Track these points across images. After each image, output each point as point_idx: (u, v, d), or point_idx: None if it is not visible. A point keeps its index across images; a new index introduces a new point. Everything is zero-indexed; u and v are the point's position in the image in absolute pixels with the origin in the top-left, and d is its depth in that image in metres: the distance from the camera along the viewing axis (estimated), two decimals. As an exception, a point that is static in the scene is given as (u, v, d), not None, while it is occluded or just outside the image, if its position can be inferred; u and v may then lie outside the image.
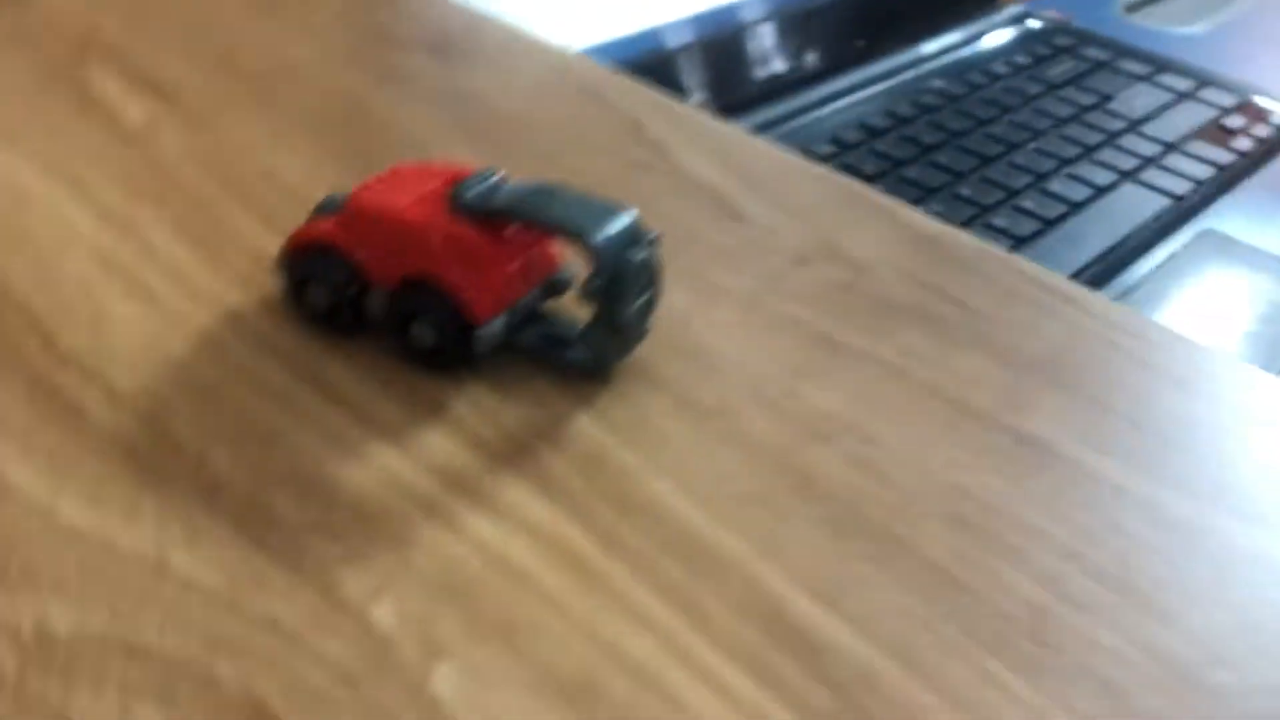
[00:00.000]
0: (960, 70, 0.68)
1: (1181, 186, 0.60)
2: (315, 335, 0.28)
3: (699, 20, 0.65)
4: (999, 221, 0.55)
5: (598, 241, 0.25)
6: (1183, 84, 0.68)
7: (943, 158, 0.60)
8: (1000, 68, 0.69)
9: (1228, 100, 0.67)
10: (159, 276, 0.30)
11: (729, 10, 0.66)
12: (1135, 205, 0.59)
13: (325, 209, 0.29)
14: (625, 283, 0.26)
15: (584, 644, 0.22)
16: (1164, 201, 0.59)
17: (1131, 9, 0.79)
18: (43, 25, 0.41)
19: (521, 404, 0.27)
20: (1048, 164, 0.60)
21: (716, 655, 0.22)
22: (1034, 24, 0.73)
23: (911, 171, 0.59)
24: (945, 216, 0.45)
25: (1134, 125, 0.65)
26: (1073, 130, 0.64)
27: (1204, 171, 0.61)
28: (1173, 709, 0.21)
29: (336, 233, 0.27)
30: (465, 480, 0.25)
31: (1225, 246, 0.57)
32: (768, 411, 0.27)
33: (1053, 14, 0.75)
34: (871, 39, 0.70)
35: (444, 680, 0.21)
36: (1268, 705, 0.22)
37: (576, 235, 0.25)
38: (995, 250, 0.33)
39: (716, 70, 0.65)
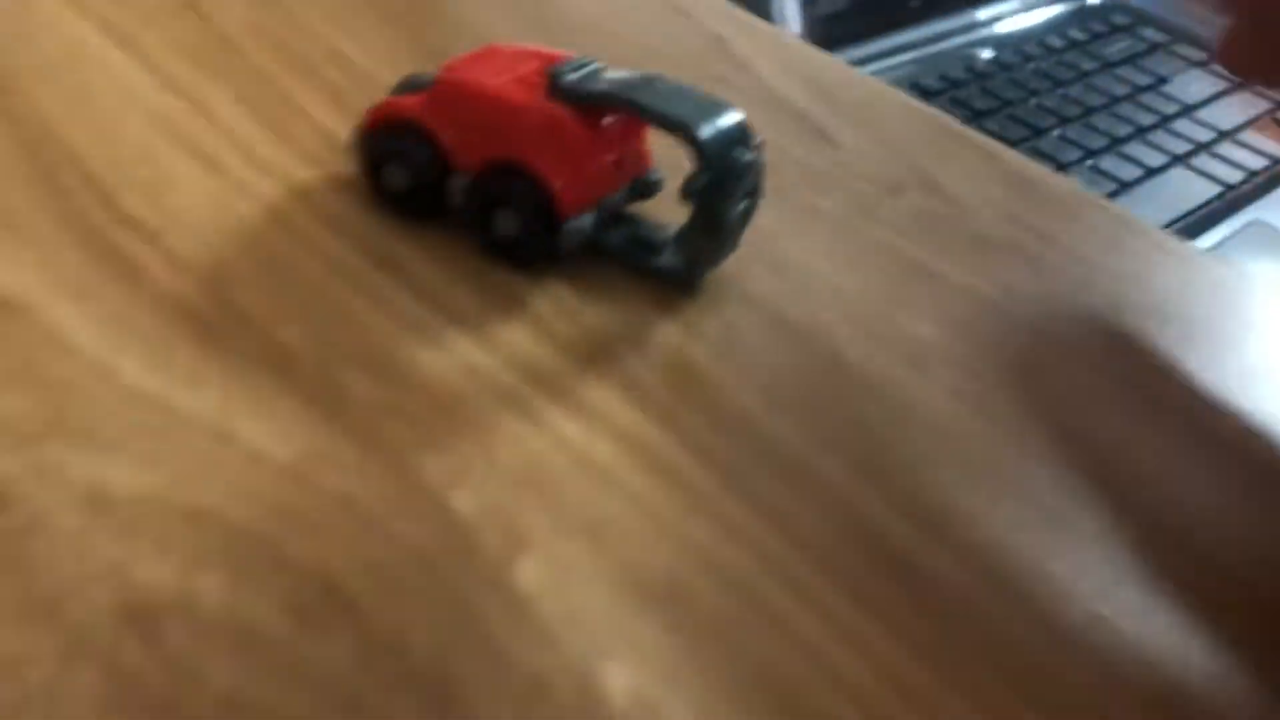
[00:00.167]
0: (1015, 40, 0.67)
1: (1233, 175, 0.59)
2: (388, 219, 0.27)
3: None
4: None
5: (705, 136, 0.24)
6: (1239, 74, 0.67)
7: (993, 125, 0.59)
8: (1055, 40, 0.67)
9: (1283, 94, 0.66)
10: (223, 147, 0.28)
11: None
12: (1185, 190, 0.58)
13: (407, 88, 0.27)
14: (729, 184, 0.24)
15: (671, 548, 0.21)
16: (1214, 188, 0.58)
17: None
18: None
19: (605, 307, 0.25)
20: (1099, 141, 0.59)
21: (812, 571, 0.21)
22: (1092, 0, 0.72)
23: (966, 134, 0.57)
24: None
25: (1188, 110, 0.64)
26: (1126, 110, 0.62)
27: (1257, 162, 0.60)
28: None
29: (422, 110, 0.26)
30: (547, 377, 0.24)
31: (1274, 239, 0.56)
32: (863, 336, 0.26)
33: (1110, -7, 0.74)
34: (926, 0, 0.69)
35: (526, 572, 0.20)
36: None
37: (682, 128, 0.24)
38: (1097, 198, 0.31)
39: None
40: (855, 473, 0.22)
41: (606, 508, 0.21)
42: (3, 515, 0.19)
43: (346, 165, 0.28)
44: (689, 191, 0.24)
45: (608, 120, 0.25)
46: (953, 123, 0.34)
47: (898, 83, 0.60)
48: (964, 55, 0.65)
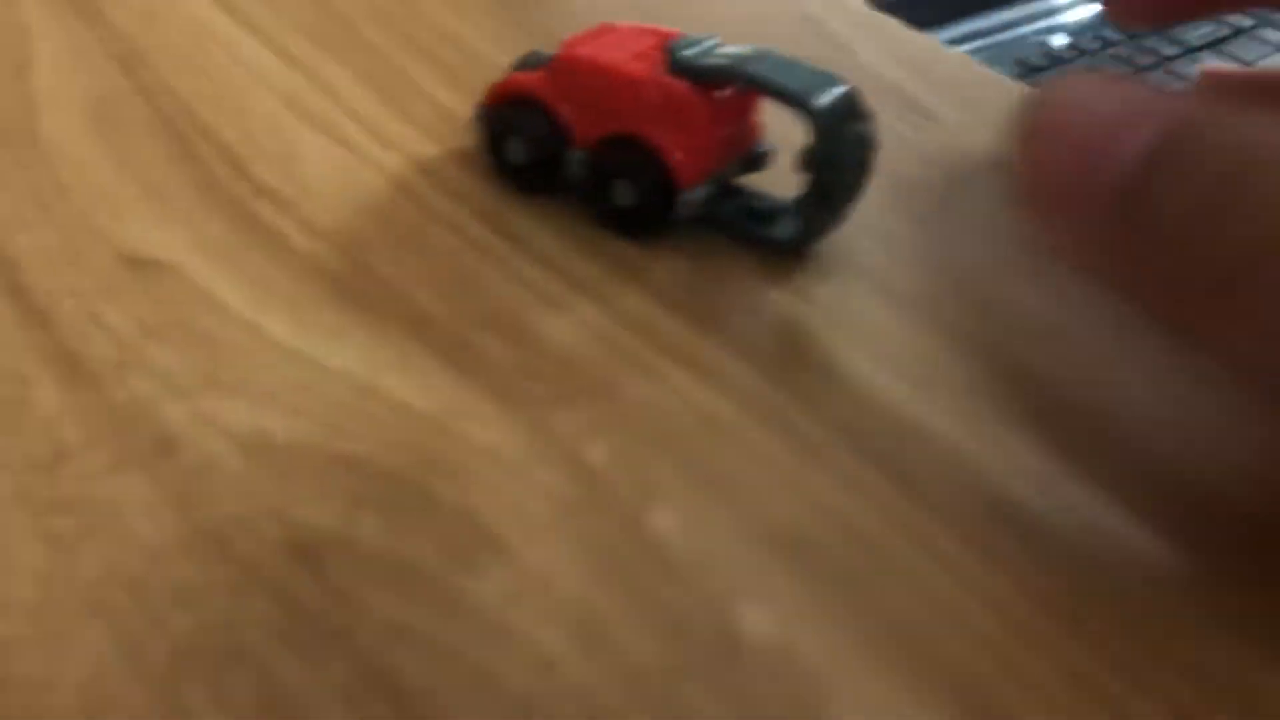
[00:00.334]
0: (1093, 25, 0.66)
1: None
2: (508, 191, 0.28)
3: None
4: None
5: (821, 107, 0.25)
6: (1322, 59, 0.67)
7: (1075, 110, 0.59)
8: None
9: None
10: (348, 122, 0.30)
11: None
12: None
13: (527, 64, 0.28)
14: (843, 154, 0.25)
15: (796, 501, 0.21)
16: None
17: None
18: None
19: (718, 275, 0.26)
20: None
21: (935, 524, 0.21)
22: (1170, -13, 0.72)
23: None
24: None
25: (1271, 96, 0.63)
26: (1207, 95, 0.62)
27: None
28: None
29: (542, 85, 0.27)
30: (668, 339, 0.24)
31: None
32: (974, 307, 0.26)
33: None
34: (1004, -14, 0.69)
35: (661, 520, 0.21)
36: None
37: (800, 100, 0.25)
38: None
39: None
40: (971, 434, 0.23)
41: (730, 462, 0.22)
42: (173, 457, 0.21)
43: (465, 140, 0.29)
44: (805, 162, 0.25)
45: (724, 95, 0.26)
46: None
47: (976, 68, 0.60)
48: (1037, 42, 0.65)
